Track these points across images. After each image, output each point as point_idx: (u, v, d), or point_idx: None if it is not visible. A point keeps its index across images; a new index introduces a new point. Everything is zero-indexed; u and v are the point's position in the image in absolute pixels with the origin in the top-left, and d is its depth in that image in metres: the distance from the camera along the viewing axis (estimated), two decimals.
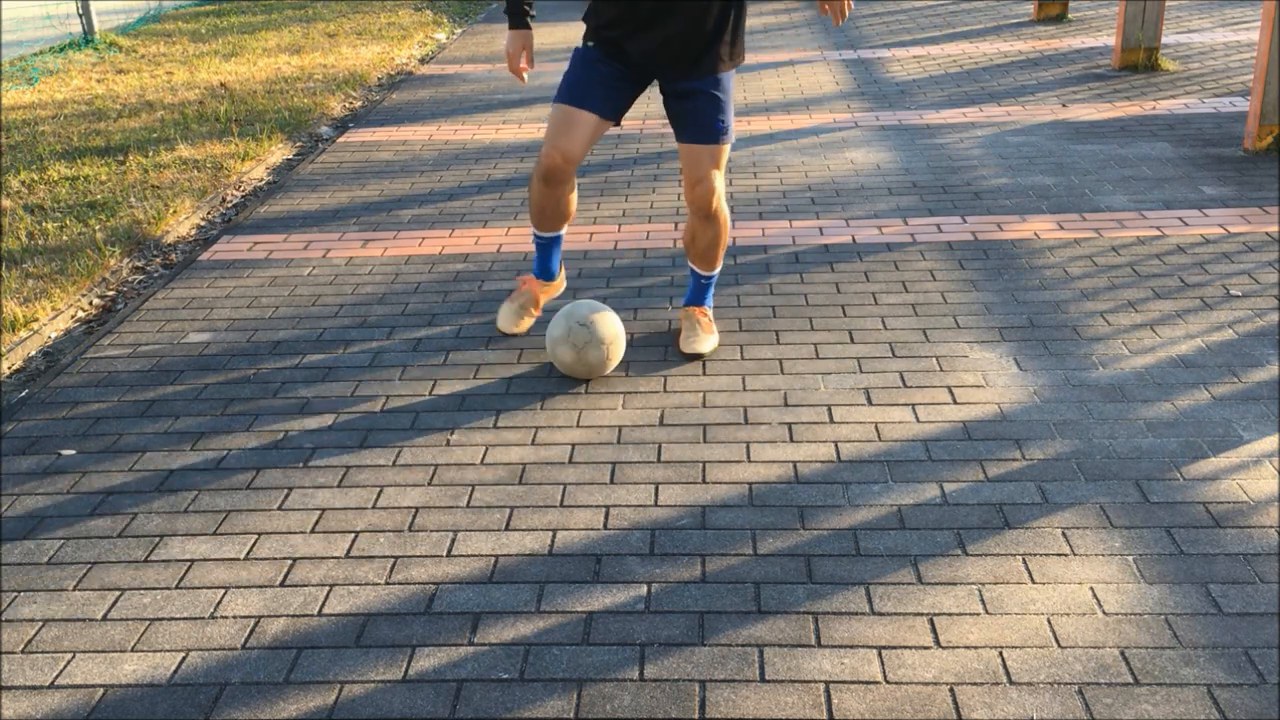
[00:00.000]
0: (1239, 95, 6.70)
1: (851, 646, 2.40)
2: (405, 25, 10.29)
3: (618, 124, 3.62)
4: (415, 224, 5.16)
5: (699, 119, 3.51)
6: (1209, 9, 9.43)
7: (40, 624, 2.58)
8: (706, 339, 3.75)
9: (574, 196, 3.76)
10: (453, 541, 2.82)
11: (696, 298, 3.85)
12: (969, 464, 3.06)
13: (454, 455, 3.21)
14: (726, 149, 3.58)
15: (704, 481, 3.03)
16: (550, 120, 3.58)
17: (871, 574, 2.63)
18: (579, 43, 3.63)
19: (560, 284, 4.04)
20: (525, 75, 3.74)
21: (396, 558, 2.76)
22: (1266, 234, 4.57)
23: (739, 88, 7.47)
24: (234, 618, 2.57)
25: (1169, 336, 3.74)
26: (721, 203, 3.63)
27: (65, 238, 5.09)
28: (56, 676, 2.41)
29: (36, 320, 4.30)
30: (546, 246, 3.89)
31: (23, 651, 2.49)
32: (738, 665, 2.36)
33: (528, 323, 3.91)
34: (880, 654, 2.38)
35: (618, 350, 3.57)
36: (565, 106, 3.53)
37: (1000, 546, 2.71)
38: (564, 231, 3.87)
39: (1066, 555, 2.67)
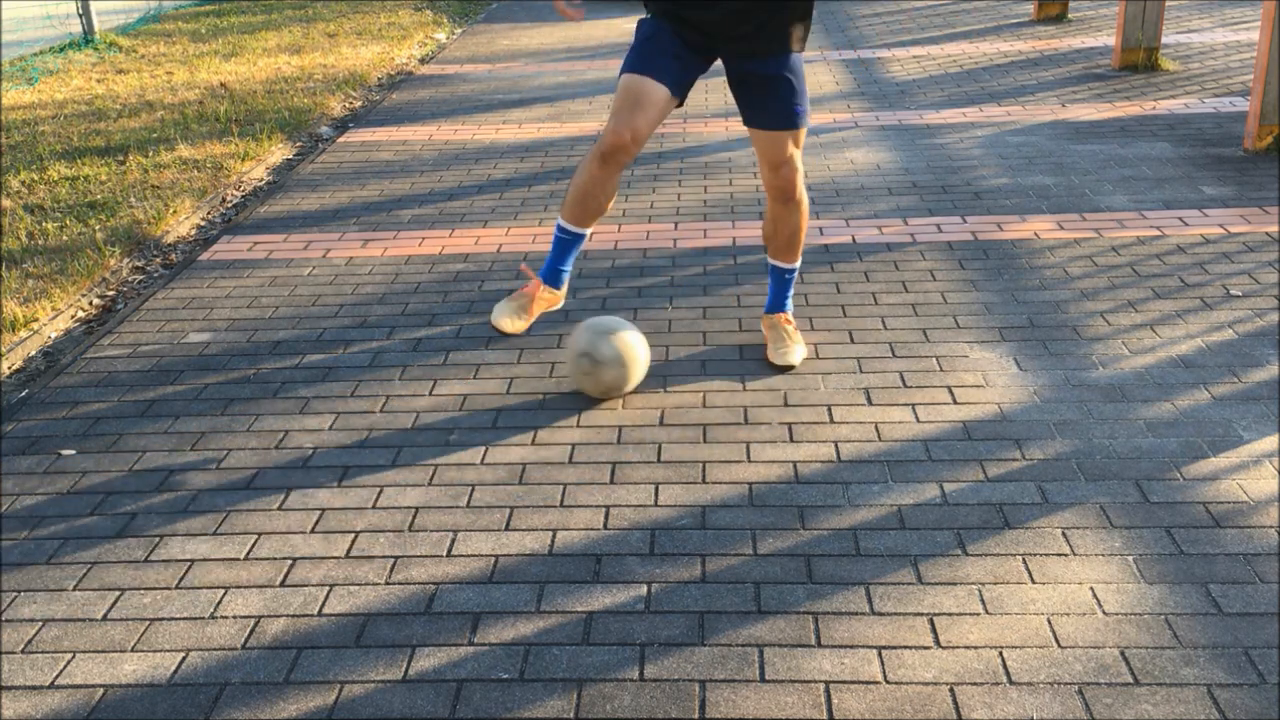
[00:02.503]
0: (1239, 95, 6.70)
1: (851, 646, 2.40)
2: (405, 25, 10.29)
3: (681, 104, 3.40)
4: (415, 224, 5.16)
5: (778, 105, 3.36)
6: (1209, 9, 9.43)
7: (40, 624, 2.58)
8: (797, 349, 3.65)
9: (616, 189, 3.51)
10: (453, 541, 2.82)
11: (780, 301, 3.74)
12: (969, 464, 3.06)
13: (454, 455, 3.21)
14: (804, 131, 3.46)
15: (704, 481, 3.03)
16: (618, 94, 3.33)
17: (871, 574, 2.63)
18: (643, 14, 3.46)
19: (562, 298, 3.69)
20: (575, 14, 3.47)
21: (396, 558, 2.76)
22: (1266, 234, 4.57)
23: None
24: (234, 618, 2.57)
25: (1169, 336, 3.75)
26: (803, 186, 3.52)
27: (65, 238, 5.09)
28: (56, 676, 2.41)
29: (36, 320, 4.30)
30: (568, 245, 3.55)
31: (23, 651, 2.49)
32: (738, 665, 2.36)
33: (521, 327, 3.60)
34: (880, 654, 2.38)
35: (638, 372, 3.45)
36: (636, 76, 3.29)
37: (1000, 546, 2.71)
38: (590, 232, 3.58)
39: (1066, 555, 2.67)
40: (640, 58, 3.32)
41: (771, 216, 3.61)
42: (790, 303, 3.78)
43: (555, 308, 3.68)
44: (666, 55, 3.31)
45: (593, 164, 3.37)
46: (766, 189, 3.56)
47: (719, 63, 3.43)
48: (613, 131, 3.29)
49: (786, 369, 3.61)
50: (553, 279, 3.59)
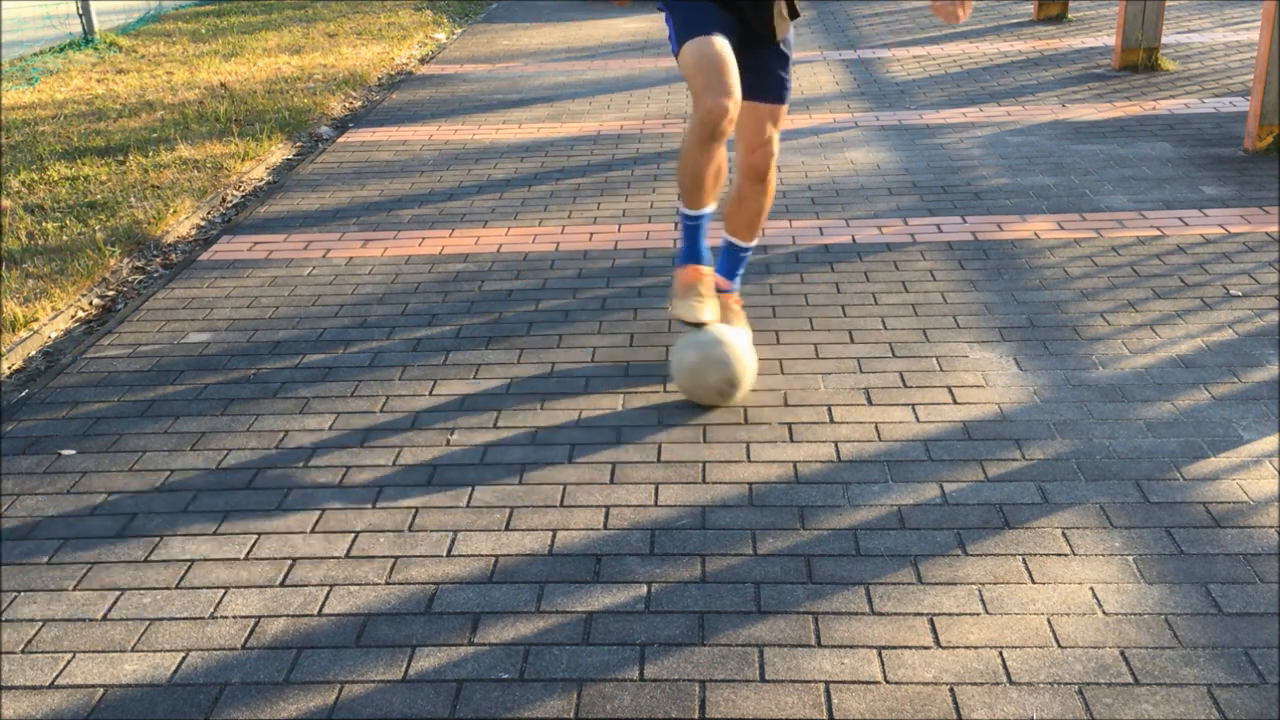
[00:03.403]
0: (1239, 95, 6.70)
1: (851, 646, 2.40)
2: (405, 25, 10.29)
3: None
4: (415, 224, 5.16)
5: (765, 74, 3.32)
6: (1209, 9, 9.43)
7: (40, 624, 2.58)
8: (739, 329, 3.55)
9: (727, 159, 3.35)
10: (453, 541, 2.82)
11: (729, 273, 3.64)
12: (969, 464, 3.06)
13: (454, 455, 3.21)
14: (785, 109, 3.43)
15: (704, 481, 3.03)
16: (693, 65, 3.14)
17: (871, 574, 2.63)
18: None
19: (712, 270, 3.51)
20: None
21: (396, 558, 2.76)
22: (1266, 234, 4.57)
23: None
24: (234, 618, 2.57)
25: (1169, 336, 3.74)
26: (775, 169, 3.51)
27: (65, 238, 5.09)
28: (56, 676, 2.41)
29: (36, 320, 4.30)
30: (695, 230, 3.41)
31: (23, 651, 2.49)
32: (738, 665, 2.36)
33: (710, 307, 3.39)
34: (880, 654, 2.38)
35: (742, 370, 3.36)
36: (703, 39, 3.12)
37: (1000, 546, 2.71)
38: (714, 208, 3.42)
39: (1066, 555, 2.67)
40: (691, 24, 3.16)
41: (738, 195, 3.54)
42: (739, 281, 3.70)
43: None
44: (712, 16, 3.19)
45: (696, 148, 3.20)
46: (739, 168, 3.50)
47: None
48: (708, 108, 3.09)
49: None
50: (697, 259, 3.42)
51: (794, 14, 3.38)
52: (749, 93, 3.30)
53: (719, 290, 3.59)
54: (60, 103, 7.73)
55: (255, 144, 6.51)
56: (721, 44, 3.15)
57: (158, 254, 5.06)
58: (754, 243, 3.67)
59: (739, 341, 3.39)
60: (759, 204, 3.56)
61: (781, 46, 3.37)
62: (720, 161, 3.26)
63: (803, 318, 3.98)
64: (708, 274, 3.43)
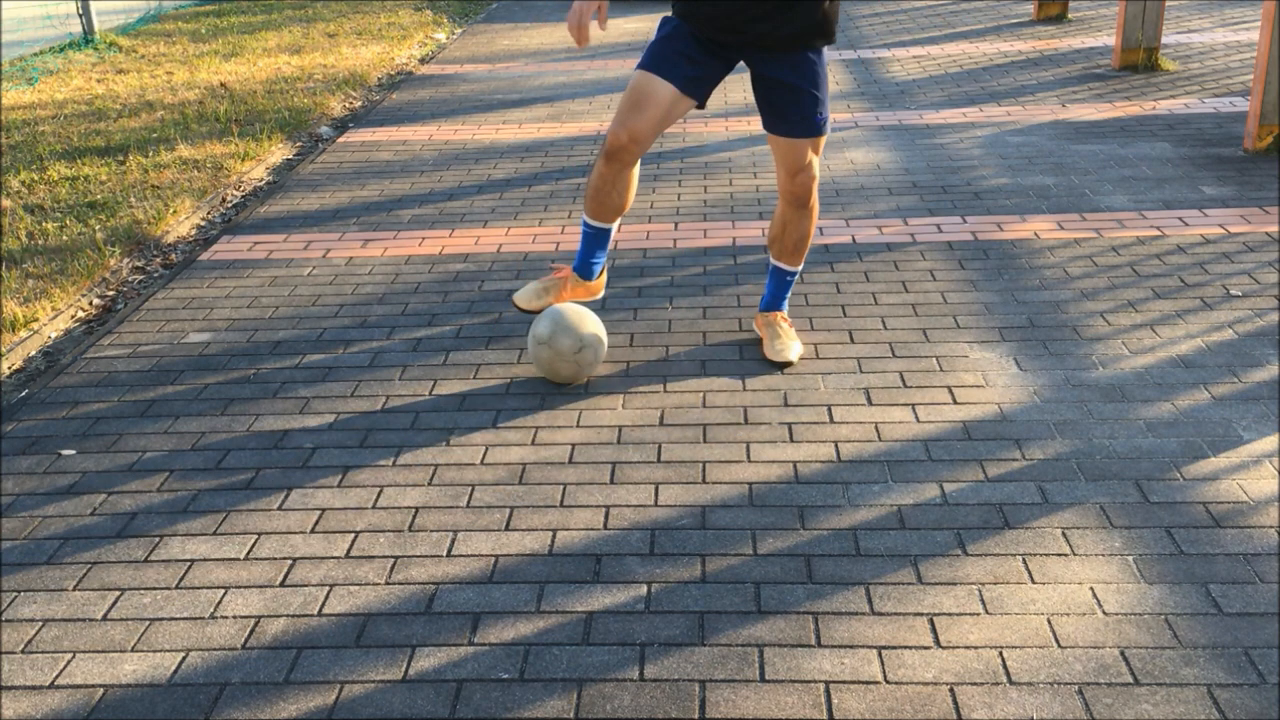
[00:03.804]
0: (1239, 95, 6.70)
1: (851, 646, 2.40)
2: (405, 25, 10.29)
3: (701, 105, 3.40)
4: (415, 224, 5.16)
5: (799, 113, 3.37)
6: (1209, 9, 9.43)
7: (40, 624, 2.58)
8: (794, 345, 3.66)
9: (634, 185, 3.55)
10: (453, 541, 2.82)
11: (778, 301, 3.76)
12: (969, 464, 3.06)
13: (454, 455, 3.21)
14: (824, 139, 3.49)
15: (704, 481, 3.03)
16: (625, 92, 3.37)
17: (871, 574, 2.63)
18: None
19: (598, 289, 3.83)
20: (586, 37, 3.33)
21: (396, 558, 2.76)
22: (1266, 234, 4.57)
23: (739, 88, 7.47)
24: (234, 618, 2.57)
25: (1169, 336, 3.74)
26: (816, 193, 3.58)
27: (65, 238, 5.09)
28: (56, 676, 2.41)
29: (36, 320, 4.30)
30: (593, 239, 3.67)
31: (23, 651, 2.49)
32: (738, 665, 2.36)
33: (538, 306, 3.71)
34: (880, 654, 2.38)
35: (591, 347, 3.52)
36: (644, 74, 3.32)
37: (1000, 546, 2.71)
38: (615, 226, 3.67)
39: (1066, 555, 2.67)
40: (652, 56, 3.34)
41: (781, 219, 3.62)
42: (787, 303, 3.80)
43: (595, 297, 3.86)
44: (679, 55, 3.30)
45: (599, 162, 3.45)
46: (781, 193, 3.58)
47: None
48: (612, 133, 3.36)
49: (785, 365, 3.61)
50: (584, 271, 3.73)
51: (827, 37, 3.35)
52: (782, 129, 3.41)
53: (768, 311, 3.77)
54: (60, 103, 7.73)
55: (255, 144, 6.50)
56: (657, 85, 3.30)
57: (158, 254, 5.06)
58: (799, 267, 3.74)
59: (570, 311, 3.53)
60: (802, 229, 3.62)
61: (813, 90, 3.36)
62: (619, 189, 3.50)
63: (803, 318, 3.98)
64: (575, 287, 3.76)
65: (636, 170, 3.54)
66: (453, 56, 9.00)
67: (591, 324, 3.51)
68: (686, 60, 3.31)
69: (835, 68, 7.99)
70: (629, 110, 3.33)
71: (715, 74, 3.39)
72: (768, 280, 3.78)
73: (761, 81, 3.39)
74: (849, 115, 6.71)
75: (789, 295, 3.79)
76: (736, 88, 7.45)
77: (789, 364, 3.60)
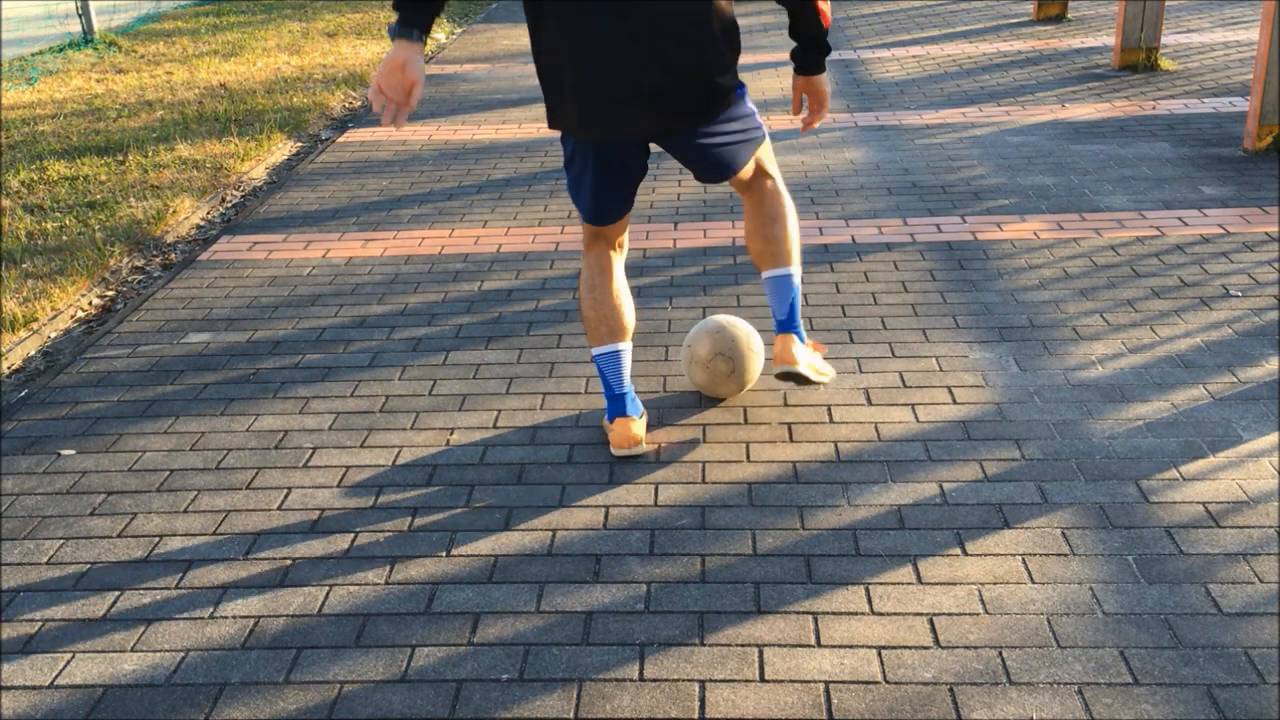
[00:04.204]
0: (1238, 95, 6.70)
1: (851, 646, 2.40)
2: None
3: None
4: (415, 223, 5.16)
5: (722, 159, 3.03)
6: (1208, 9, 9.43)
7: (40, 624, 2.58)
8: (800, 353, 3.20)
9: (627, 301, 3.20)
10: (452, 541, 2.82)
11: (789, 320, 3.21)
12: (968, 463, 3.06)
13: (454, 455, 3.21)
14: (749, 167, 3.11)
15: (704, 481, 3.03)
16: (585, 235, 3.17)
17: (871, 574, 2.63)
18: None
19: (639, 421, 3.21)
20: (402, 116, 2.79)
21: (396, 558, 2.76)
22: (1266, 234, 4.58)
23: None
24: (234, 618, 2.57)
25: (1168, 336, 3.75)
26: (781, 186, 3.21)
27: (65, 237, 5.09)
28: (56, 676, 2.41)
29: (36, 320, 4.30)
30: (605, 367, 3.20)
31: (22, 652, 2.49)
32: (737, 665, 2.36)
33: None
34: (880, 654, 2.38)
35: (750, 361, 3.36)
36: (591, 229, 3.13)
37: (1000, 546, 2.71)
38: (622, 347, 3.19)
39: (1066, 555, 2.67)
40: (589, 209, 3.06)
41: (750, 224, 3.23)
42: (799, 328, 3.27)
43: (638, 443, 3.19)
44: (607, 189, 3.01)
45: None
46: (746, 200, 3.24)
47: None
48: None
49: (791, 376, 3.21)
50: (617, 407, 3.17)
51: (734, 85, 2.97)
52: (712, 175, 3.10)
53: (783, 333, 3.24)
54: (60, 102, 7.73)
55: (255, 144, 6.50)
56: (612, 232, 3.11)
57: (157, 254, 5.06)
58: (785, 269, 3.22)
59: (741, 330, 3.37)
60: (780, 229, 3.19)
61: (734, 128, 3.00)
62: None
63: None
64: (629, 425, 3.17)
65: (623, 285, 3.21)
66: (453, 56, 9.00)
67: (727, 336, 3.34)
68: (609, 191, 3.01)
69: (835, 68, 7.99)
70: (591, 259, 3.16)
71: (641, 174, 3.05)
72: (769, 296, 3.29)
73: (682, 152, 3.03)
74: (848, 115, 6.71)
75: (797, 306, 3.25)
76: None
77: (795, 373, 3.18)
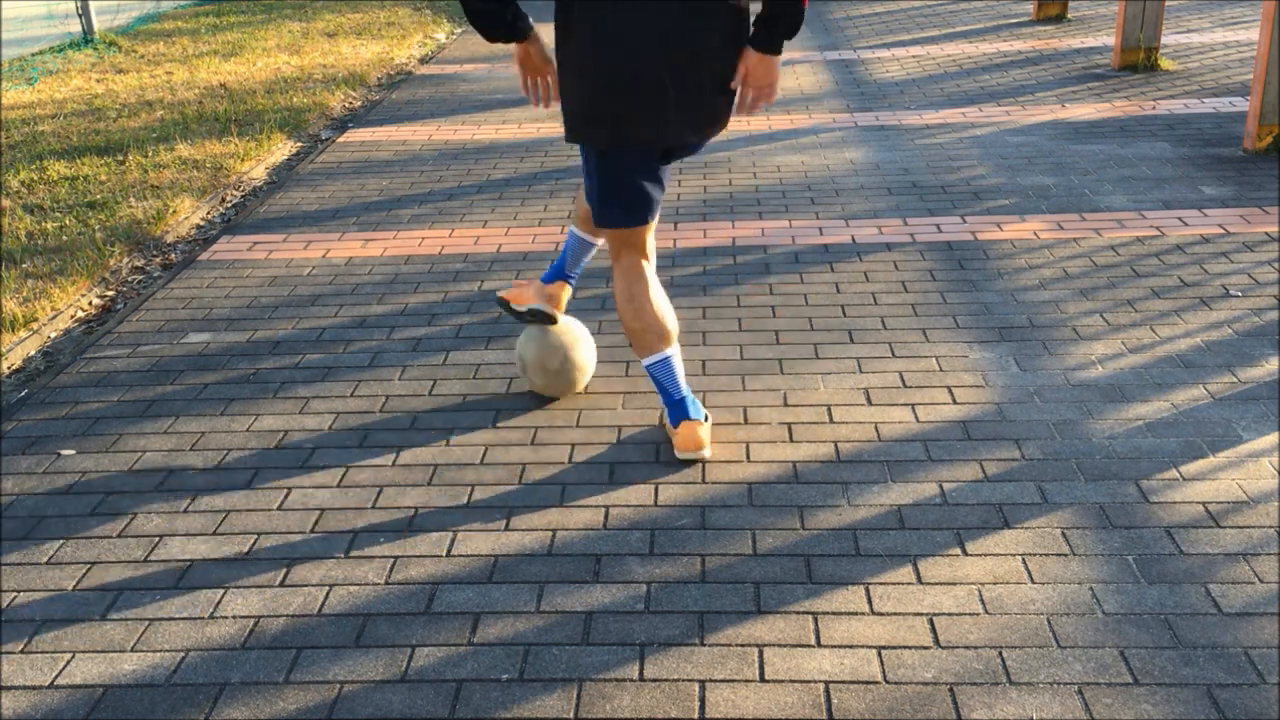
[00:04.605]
0: (1238, 95, 6.70)
1: (851, 646, 2.40)
2: (405, 25, 10.29)
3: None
4: (415, 223, 5.16)
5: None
6: (1208, 9, 9.43)
7: (40, 624, 2.58)
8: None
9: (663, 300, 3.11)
10: (452, 541, 2.82)
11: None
12: (968, 463, 3.06)
13: (454, 455, 3.21)
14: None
15: (704, 481, 3.03)
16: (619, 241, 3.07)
17: (871, 574, 2.63)
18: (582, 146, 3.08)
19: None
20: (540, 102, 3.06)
21: (396, 558, 2.76)
22: (1266, 234, 4.58)
23: None
24: (234, 618, 2.57)
25: (1168, 336, 3.75)
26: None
27: (65, 237, 5.09)
28: (56, 676, 2.41)
29: (36, 320, 4.30)
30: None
31: (22, 652, 2.49)
32: (737, 665, 2.36)
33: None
34: (880, 654, 2.38)
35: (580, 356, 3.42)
36: (620, 237, 3.05)
37: (1000, 546, 2.71)
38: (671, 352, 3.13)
39: (1066, 555, 2.67)
40: (622, 210, 3.01)
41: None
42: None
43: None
44: (648, 185, 3.00)
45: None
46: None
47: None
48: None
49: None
50: (679, 412, 3.13)
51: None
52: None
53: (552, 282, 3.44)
54: (60, 102, 7.73)
55: (255, 144, 6.50)
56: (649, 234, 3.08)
57: (157, 254, 5.05)
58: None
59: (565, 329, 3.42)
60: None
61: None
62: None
63: (803, 318, 3.98)
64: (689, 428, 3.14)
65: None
66: (452, 56, 9.00)
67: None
68: (641, 189, 2.98)
69: (834, 67, 7.99)
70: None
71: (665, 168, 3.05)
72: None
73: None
74: (848, 115, 6.71)
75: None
76: None
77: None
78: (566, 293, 3.49)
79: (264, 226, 5.22)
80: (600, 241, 3.43)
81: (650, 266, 3.12)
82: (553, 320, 3.43)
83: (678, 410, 3.11)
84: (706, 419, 3.16)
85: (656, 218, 3.10)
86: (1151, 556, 2.65)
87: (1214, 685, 2.26)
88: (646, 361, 3.12)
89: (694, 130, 2.96)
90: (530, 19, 2.90)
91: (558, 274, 3.49)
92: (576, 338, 3.44)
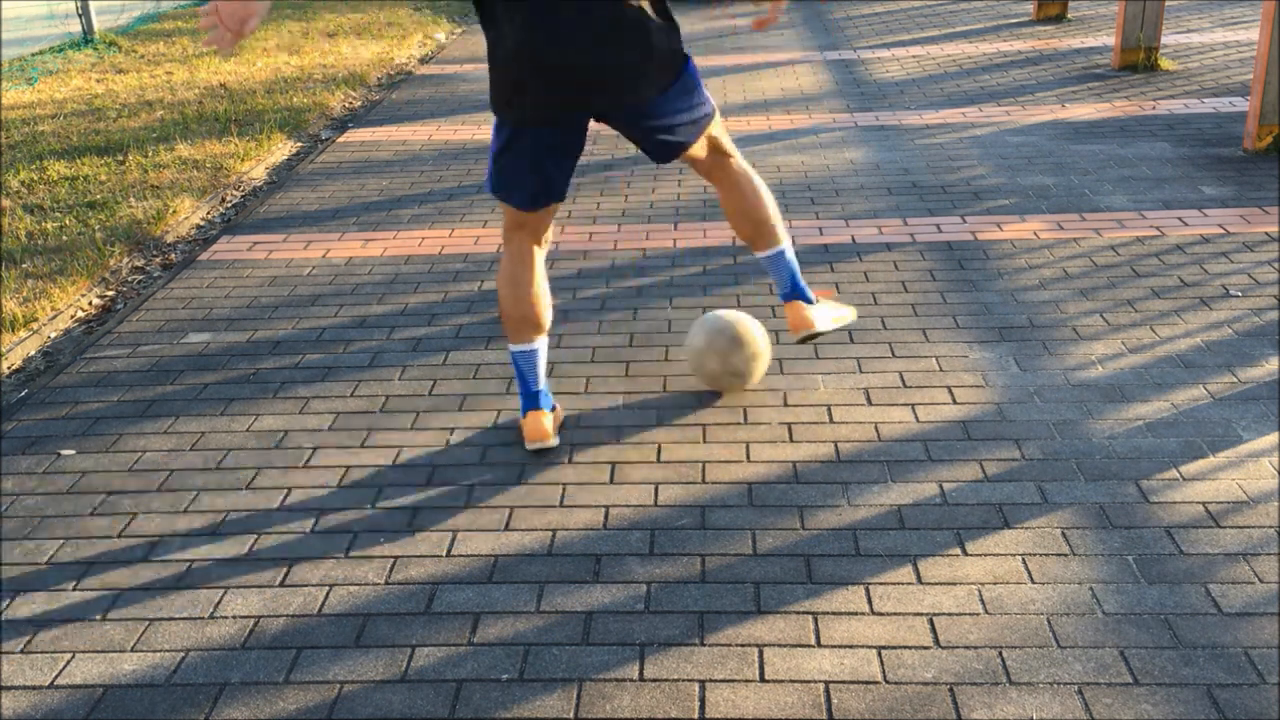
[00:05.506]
0: (1238, 95, 6.70)
1: (851, 646, 2.40)
2: (405, 25, 10.29)
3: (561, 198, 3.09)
4: (415, 223, 5.16)
5: (671, 137, 3.04)
6: (1208, 8, 9.43)
7: (40, 624, 2.58)
8: (820, 313, 3.30)
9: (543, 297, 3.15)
10: (452, 541, 2.82)
11: (793, 290, 3.29)
12: (968, 463, 3.06)
13: (454, 455, 3.21)
14: (705, 136, 3.09)
15: (704, 481, 3.03)
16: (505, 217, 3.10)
17: (871, 574, 2.63)
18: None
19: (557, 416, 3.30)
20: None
21: (396, 558, 2.76)
22: (1266, 234, 4.58)
23: (738, 88, 7.48)
24: (234, 618, 2.57)
25: (1168, 336, 3.75)
26: (744, 164, 3.21)
27: (65, 237, 5.09)
28: (56, 676, 2.41)
29: (36, 320, 4.30)
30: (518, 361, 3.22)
31: (22, 651, 2.49)
32: (737, 665, 2.37)
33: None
34: (880, 654, 2.38)
35: (760, 360, 3.40)
36: (516, 217, 3.07)
37: (1000, 546, 2.71)
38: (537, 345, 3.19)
39: (1066, 555, 2.67)
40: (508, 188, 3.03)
41: (727, 207, 3.26)
42: (803, 285, 3.33)
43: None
44: (533, 169, 2.98)
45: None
46: (713, 181, 3.24)
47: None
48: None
49: (811, 337, 3.33)
50: (531, 403, 3.22)
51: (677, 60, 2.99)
52: (654, 154, 3.11)
53: (790, 300, 3.35)
54: (60, 102, 7.73)
55: (255, 144, 6.50)
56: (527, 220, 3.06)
57: (157, 254, 5.06)
58: (781, 245, 3.27)
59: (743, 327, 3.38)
60: (750, 202, 3.21)
61: (674, 113, 3.00)
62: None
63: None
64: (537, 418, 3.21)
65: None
66: (452, 56, 9.00)
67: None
68: (536, 171, 2.98)
69: (834, 67, 7.99)
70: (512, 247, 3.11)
71: (577, 153, 3.03)
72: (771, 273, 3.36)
73: (630, 131, 3.06)
74: (848, 115, 6.71)
75: (795, 272, 3.30)
76: (736, 88, 7.45)
77: (815, 334, 3.30)
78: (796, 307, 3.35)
79: (264, 226, 5.22)
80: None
81: (541, 253, 3.14)
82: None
83: (530, 401, 3.19)
84: (554, 409, 3.25)
85: (553, 207, 3.06)
86: (1151, 556, 2.65)
87: (1214, 685, 2.26)
88: (515, 348, 3.17)
89: (621, 93, 2.92)
90: None
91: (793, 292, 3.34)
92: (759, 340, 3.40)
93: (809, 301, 3.33)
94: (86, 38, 9.71)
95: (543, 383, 3.22)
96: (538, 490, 3.02)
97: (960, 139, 6.12)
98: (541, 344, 3.19)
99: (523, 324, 3.14)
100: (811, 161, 5.81)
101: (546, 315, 3.17)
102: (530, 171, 2.99)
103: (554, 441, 3.19)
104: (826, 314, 3.38)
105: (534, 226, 3.10)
